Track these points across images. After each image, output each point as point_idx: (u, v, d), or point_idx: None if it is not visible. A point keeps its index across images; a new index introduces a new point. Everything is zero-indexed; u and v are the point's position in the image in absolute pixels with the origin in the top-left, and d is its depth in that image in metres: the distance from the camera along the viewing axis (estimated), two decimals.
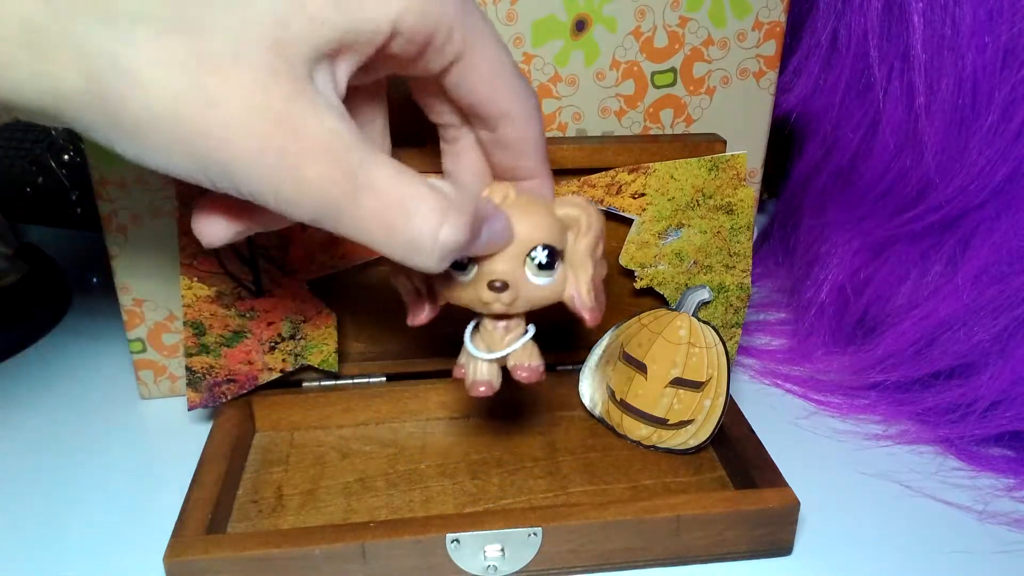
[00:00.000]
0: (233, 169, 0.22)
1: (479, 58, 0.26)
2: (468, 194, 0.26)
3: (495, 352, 0.32)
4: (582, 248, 0.31)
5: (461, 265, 0.30)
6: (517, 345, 0.32)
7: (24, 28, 0.20)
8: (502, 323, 0.32)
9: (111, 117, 0.21)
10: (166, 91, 0.21)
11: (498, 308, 0.30)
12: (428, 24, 0.24)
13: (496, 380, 0.33)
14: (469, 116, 0.29)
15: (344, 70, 0.24)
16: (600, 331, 0.42)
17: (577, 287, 0.31)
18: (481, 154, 0.31)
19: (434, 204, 0.24)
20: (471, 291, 0.30)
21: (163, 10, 0.21)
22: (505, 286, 0.29)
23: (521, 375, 0.32)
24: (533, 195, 0.31)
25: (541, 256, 0.30)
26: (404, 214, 0.24)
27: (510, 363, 0.32)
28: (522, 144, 0.29)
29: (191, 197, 0.36)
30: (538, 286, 0.30)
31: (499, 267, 0.29)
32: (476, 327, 0.33)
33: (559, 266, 0.31)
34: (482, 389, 0.32)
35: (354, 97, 0.25)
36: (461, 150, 0.31)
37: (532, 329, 0.32)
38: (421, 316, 0.33)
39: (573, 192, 0.39)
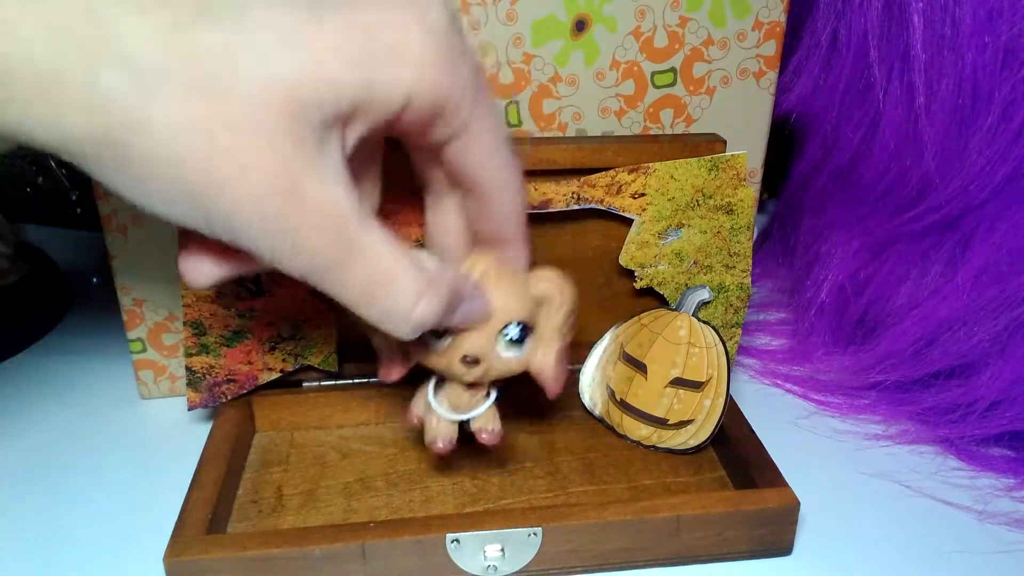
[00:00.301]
0: (236, 225, 0.23)
1: (479, 135, 0.27)
2: (447, 273, 0.27)
3: (459, 414, 0.34)
4: (553, 324, 0.32)
5: (437, 334, 0.31)
6: (481, 409, 0.34)
7: (46, 73, 0.20)
8: (470, 388, 0.33)
9: (123, 165, 0.22)
10: (183, 149, 0.22)
11: (469, 379, 0.32)
12: (439, 97, 0.25)
13: (455, 436, 0.34)
14: (456, 184, 0.30)
15: (353, 134, 0.25)
16: (600, 331, 0.42)
17: (544, 360, 0.33)
18: (464, 216, 0.32)
19: (413, 281, 0.26)
20: (444, 360, 0.32)
21: (189, 71, 0.21)
22: (477, 361, 0.31)
23: (483, 438, 0.34)
24: (511, 270, 0.32)
25: (514, 332, 0.31)
26: (385, 286, 0.25)
27: (473, 425, 0.34)
28: (505, 216, 0.31)
29: None
30: (508, 359, 0.32)
31: (473, 344, 0.31)
32: (439, 382, 0.34)
33: (530, 340, 0.32)
34: (440, 446, 0.34)
35: (353, 154, 0.26)
36: (446, 210, 0.32)
37: (495, 393, 0.34)
38: (393, 374, 0.34)
39: (573, 191, 0.39)
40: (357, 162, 0.28)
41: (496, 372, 0.32)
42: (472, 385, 0.33)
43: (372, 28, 0.23)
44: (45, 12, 0.20)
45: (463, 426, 0.35)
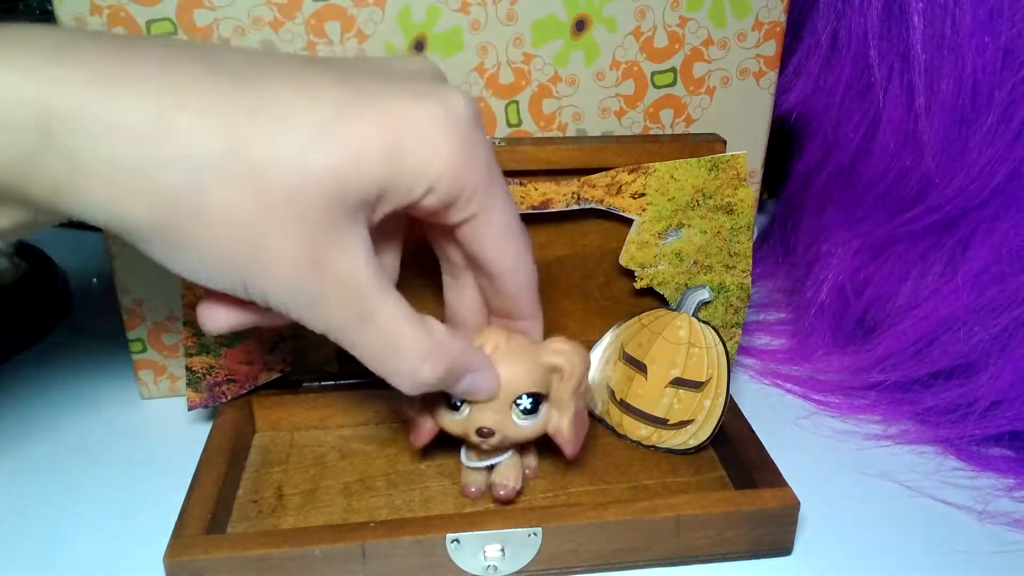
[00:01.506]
0: (269, 292, 0.26)
1: (492, 220, 0.29)
2: (455, 341, 0.30)
3: (483, 462, 0.36)
4: (566, 392, 0.34)
5: (455, 406, 0.34)
6: (504, 457, 0.36)
7: (110, 164, 0.23)
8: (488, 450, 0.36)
9: (175, 247, 0.25)
10: (231, 233, 0.24)
11: (486, 447, 0.34)
12: (458, 186, 0.27)
13: (484, 484, 0.37)
14: (472, 264, 0.33)
15: (378, 215, 0.27)
16: (600, 331, 0.42)
17: (560, 423, 0.35)
18: (479, 291, 0.34)
19: (419, 346, 0.28)
20: (462, 428, 0.34)
21: (239, 164, 0.24)
22: (492, 433, 0.33)
23: (498, 492, 0.36)
24: (524, 343, 0.34)
25: (526, 403, 0.33)
26: (394, 350, 0.28)
27: (493, 478, 0.36)
28: (517, 293, 0.33)
29: None
30: (523, 427, 0.34)
31: (487, 417, 0.33)
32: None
33: (543, 408, 0.34)
34: (472, 491, 0.37)
35: (376, 229, 0.28)
36: (462, 287, 0.34)
37: (511, 452, 0.36)
38: (422, 439, 0.37)
39: (574, 191, 0.39)
40: (379, 236, 0.30)
41: (513, 439, 0.34)
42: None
43: (400, 121, 0.25)
44: (120, 114, 0.22)
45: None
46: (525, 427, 0.34)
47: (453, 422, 0.34)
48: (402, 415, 0.36)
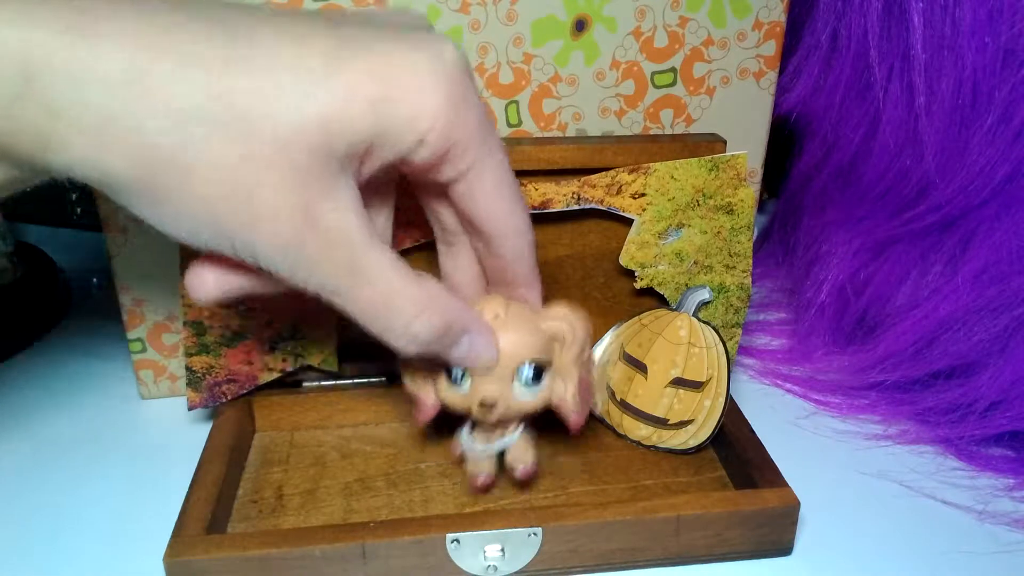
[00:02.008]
0: (258, 248, 0.25)
1: (485, 177, 0.28)
2: (453, 301, 0.29)
3: (490, 446, 0.35)
4: (568, 359, 0.33)
5: (456, 379, 0.33)
6: (511, 439, 0.35)
7: (90, 114, 0.22)
8: (499, 424, 0.34)
9: (159, 202, 0.24)
10: (218, 188, 0.23)
11: (490, 420, 0.33)
12: (449, 139, 0.26)
13: (493, 470, 0.36)
14: (467, 227, 0.32)
15: (367, 169, 0.26)
16: (600, 331, 0.42)
17: (564, 394, 0.34)
18: (476, 259, 0.33)
19: (413, 300, 0.28)
20: (464, 402, 0.33)
21: (224, 113, 0.23)
22: (494, 405, 0.32)
23: (519, 472, 0.35)
24: (523, 310, 0.33)
25: (528, 372, 0.32)
26: (388, 305, 0.27)
27: (508, 460, 0.36)
28: (513, 257, 0.32)
29: None
30: (526, 399, 0.33)
31: (489, 388, 0.32)
32: (473, 425, 0.35)
33: (546, 377, 0.33)
34: (481, 480, 0.36)
35: (367, 187, 0.28)
36: (458, 253, 0.33)
37: (522, 427, 0.35)
38: (425, 414, 0.35)
39: (574, 192, 0.39)
40: (371, 196, 0.30)
41: (516, 411, 0.33)
42: (499, 421, 0.34)
43: (390, 70, 0.25)
44: (96, 62, 0.22)
45: (501, 459, 0.36)
46: (528, 398, 0.33)
47: (455, 396, 0.33)
48: (410, 389, 0.35)
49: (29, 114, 0.22)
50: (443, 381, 0.33)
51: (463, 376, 0.32)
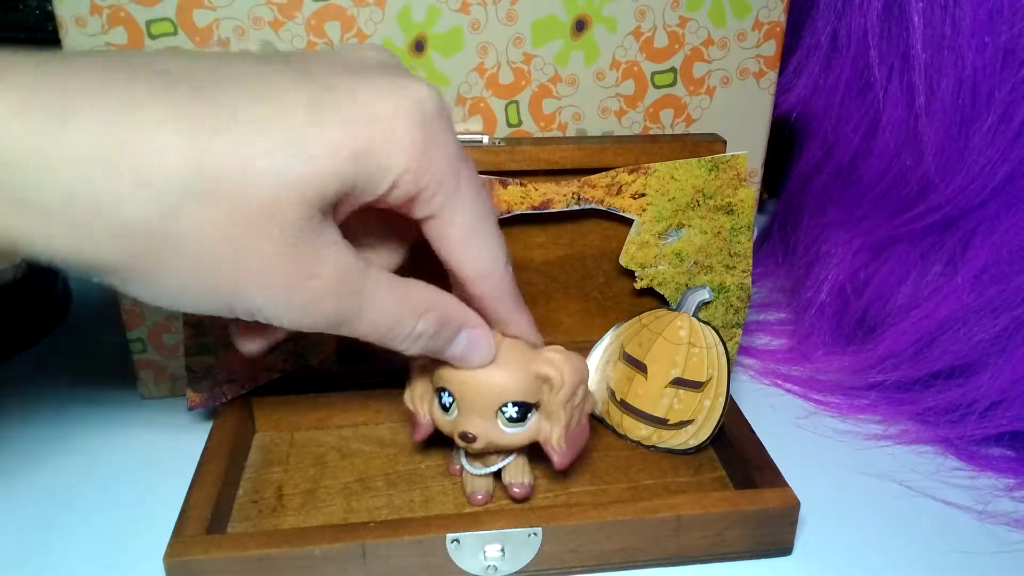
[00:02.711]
0: (260, 307, 0.25)
1: (456, 220, 0.29)
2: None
3: (487, 468, 0.36)
4: (556, 402, 0.33)
5: (445, 407, 0.34)
6: (506, 462, 0.35)
7: (63, 201, 0.21)
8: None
9: (146, 277, 0.23)
10: (209, 254, 0.23)
11: (473, 451, 0.34)
12: (421, 182, 0.27)
13: (490, 488, 0.37)
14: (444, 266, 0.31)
15: (342, 211, 0.27)
16: (600, 331, 0.42)
17: (549, 434, 0.34)
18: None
19: (413, 306, 0.29)
20: (450, 428, 0.34)
21: (207, 181, 0.22)
22: (475, 439, 0.33)
23: (515, 492, 0.36)
24: (515, 348, 0.33)
25: (511, 411, 0.33)
26: (393, 318, 0.28)
27: (505, 480, 0.36)
28: (488, 300, 0.32)
29: None
30: (510, 435, 0.34)
31: (472, 423, 0.33)
32: None
33: (532, 417, 0.34)
34: (479, 498, 0.36)
35: (375, 224, 0.29)
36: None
37: (516, 452, 0.36)
38: (420, 433, 0.36)
39: (574, 192, 0.39)
40: (377, 228, 0.31)
41: (500, 446, 0.34)
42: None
43: (367, 121, 0.25)
44: (64, 142, 0.21)
45: (498, 476, 0.37)
46: (512, 435, 0.34)
47: (444, 422, 0.34)
48: (408, 410, 0.36)
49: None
50: (435, 404, 0.35)
51: (452, 405, 0.34)
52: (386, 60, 0.28)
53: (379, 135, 0.25)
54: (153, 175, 0.22)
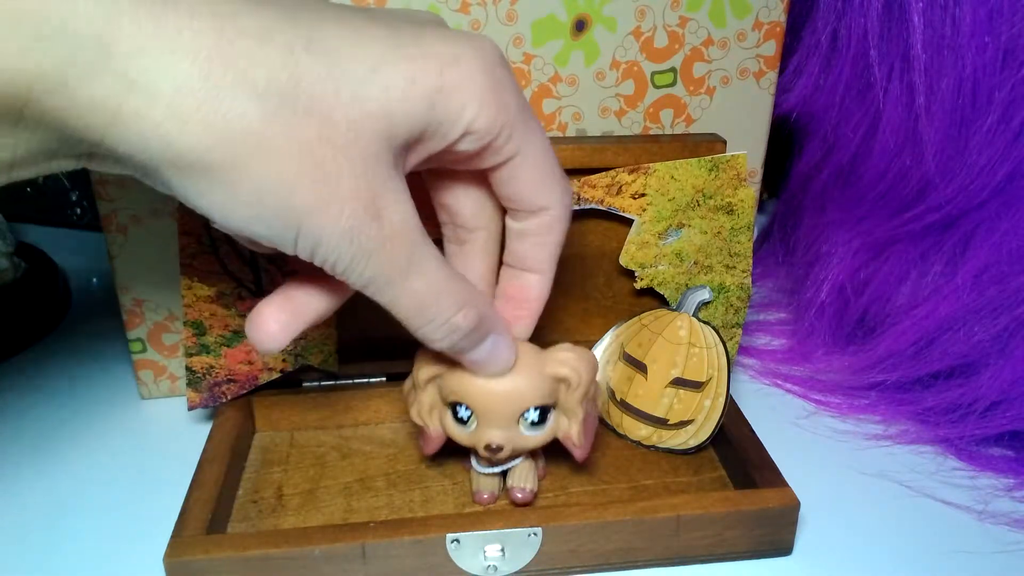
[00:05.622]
0: (324, 235, 0.25)
1: (530, 156, 0.29)
2: (486, 297, 0.31)
3: (496, 467, 0.36)
4: (574, 400, 0.34)
5: (462, 420, 0.34)
6: (515, 463, 0.36)
7: (177, 87, 0.21)
8: None
9: (222, 179, 0.23)
10: (294, 162, 0.23)
11: (498, 460, 0.35)
12: (494, 127, 0.27)
13: (497, 488, 0.37)
14: (505, 206, 0.31)
15: (412, 160, 0.27)
16: (600, 331, 0.42)
17: (569, 429, 0.34)
18: (487, 258, 0.33)
19: (459, 294, 0.29)
20: (470, 441, 0.34)
21: (302, 94, 0.23)
22: (500, 448, 0.33)
23: (516, 496, 0.36)
24: (530, 353, 0.33)
25: (533, 416, 0.33)
26: (436, 297, 0.28)
27: (508, 482, 0.36)
28: (545, 238, 0.32)
29: None
30: (532, 437, 0.34)
31: (495, 434, 0.33)
32: None
33: (551, 416, 0.34)
34: (485, 497, 0.37)
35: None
36: (468, 253, 0.33)
37: (524, 455, 0.36)
38: (431, 446, 0.36)
39: (574, 192, 0.39)
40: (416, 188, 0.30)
41: (523, 449, 0.34)
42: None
43: (442, 61, 0.25)
44: (179, 34, 0.21)
45: (505, 477, 0.37)
46: (534, 437, 0.34)
47: (462, 434, 0.34)
48: (416, 421, 0.36)
49: (105, 84, 0.21)
50: (449, 419, 0.34)
51: (470, 417, 0.33)
52: (437, 20, 0.29)
53: (451, 78, 0.26)
54: (258, 78, 0.22)
